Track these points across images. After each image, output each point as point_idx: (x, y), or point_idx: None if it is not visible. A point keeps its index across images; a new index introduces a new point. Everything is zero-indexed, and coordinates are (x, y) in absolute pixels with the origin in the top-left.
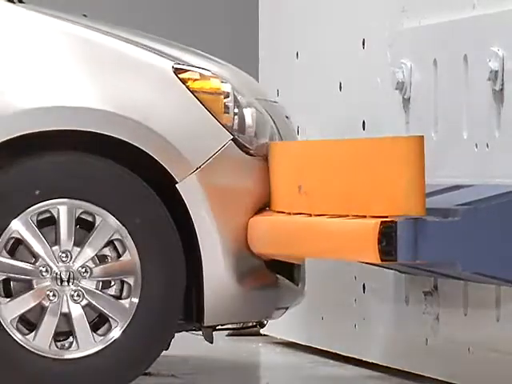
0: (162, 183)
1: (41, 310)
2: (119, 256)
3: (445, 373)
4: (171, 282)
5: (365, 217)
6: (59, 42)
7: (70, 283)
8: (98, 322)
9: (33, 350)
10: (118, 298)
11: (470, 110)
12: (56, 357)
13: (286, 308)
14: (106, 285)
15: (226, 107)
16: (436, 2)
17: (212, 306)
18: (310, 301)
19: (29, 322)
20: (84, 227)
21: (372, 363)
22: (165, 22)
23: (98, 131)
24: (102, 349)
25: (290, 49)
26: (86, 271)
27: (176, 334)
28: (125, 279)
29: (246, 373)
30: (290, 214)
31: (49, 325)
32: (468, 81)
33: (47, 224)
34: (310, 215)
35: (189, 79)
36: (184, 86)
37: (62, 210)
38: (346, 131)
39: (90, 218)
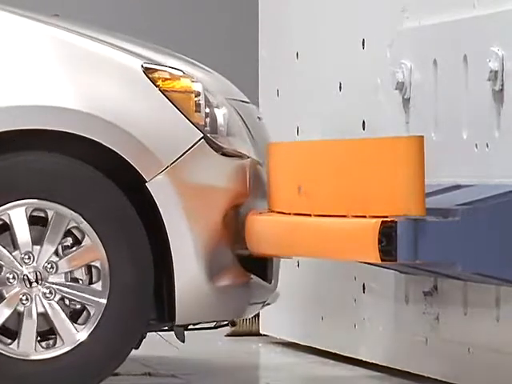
0: (134, 182)
1: (18, 316)
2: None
3: (445, 373)
4: (139, 277)
5: (365, 217)
6: (30, 42)
7: (39, 283)
8: (76, 312)
9: (19, 357)
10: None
11: (470, 110)
12: (42, 357)
13: (259, 306)
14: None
15: (197, 106)
16: (436, 1)
17: (183, 305)
18: (309, 301)
19: (9, 331)
20: (37, 223)
21: (372, 363)
22: (164, 22)
23: (67, 130)
24: (85, 339)
25: (290, 49)
26: (51, 267)
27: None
28: (92, 263)
29: (246, 373)
30: (290, 214)
31: (29, 329)
32: (468, 81)
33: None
34: (310, 215)
35: (159, 78)
36: (154, 85)
37: (14, 213)
38: (346, 131)
39: (42, 214)
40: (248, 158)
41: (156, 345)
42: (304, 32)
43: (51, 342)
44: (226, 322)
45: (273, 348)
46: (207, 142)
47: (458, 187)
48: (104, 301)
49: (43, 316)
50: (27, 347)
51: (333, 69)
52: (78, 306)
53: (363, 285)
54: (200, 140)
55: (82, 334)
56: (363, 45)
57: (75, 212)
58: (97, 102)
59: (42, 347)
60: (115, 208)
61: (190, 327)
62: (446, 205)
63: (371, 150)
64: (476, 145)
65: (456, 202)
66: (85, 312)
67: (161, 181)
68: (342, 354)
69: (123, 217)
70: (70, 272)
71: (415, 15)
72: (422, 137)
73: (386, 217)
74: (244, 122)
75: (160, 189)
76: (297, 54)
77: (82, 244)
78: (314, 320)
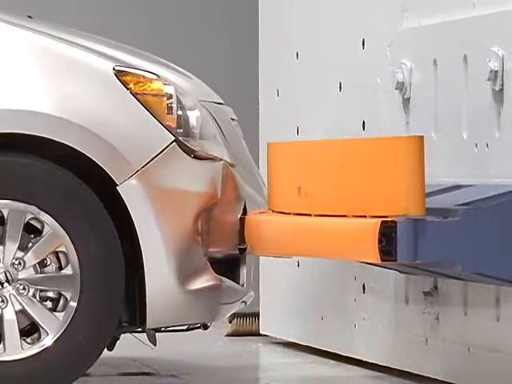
0: (106, 186)
1: None
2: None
3: (445, 373)
4: (110, 284)
5: (365, 217)
6: (1, 44)
7: (10, 282)
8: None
9: (8, 358)
10: (60, 268)
11: (469, 110)
12: (30, 354)
13: (232, 309)
14: (43, 264)
15: (169, 109)
16: (436, 2)
17: (154, 309)
18: (309, 301)
19: None
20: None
21: (372, 363)
22: (164, 22)
23: (38, 134)
24: (37, 353)
25: (290, 49)
26: (19, 263)
27: (176, 334)
28: (59, 250)
29: (246, 373)
30: (289, 214)
31: (11, 329)
32: (468, 81)
33: None
34: (310, 215)
35: (130, 81)
36: (125, 88)
37: None
38: (346, 131)
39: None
40: (221, 160)
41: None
42: (304, 32)
43: (36, 335)
44: (198, 325)
45: (273, 348)
46: (179, 145)
47: (458, 187)
48: (74, 304)
49: (22, 313)
50: (14, 347)
51: (333, 69)
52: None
53: (363, 285)
54: (172, 143)
55: (62, 323)
56: (363, 45)
57: (56, 221)
58: (67, 105)
59: (28, 343)
60: (94, 222)
61: (162, 329)
62: (446, 205)
63: (371, 149)
64: (476, 145)
65: (456, 202)
66: (62, 299)
67: (132, 184)
68: (341, 354)
69: (93, 218)
70: (39, 263)
71: (415, 15)
72: (422, 137)
73: (386, 217)
74: (217, 124)
75: (131, 192)
76: (297, 53)
77: (44, 234)
78: (314, 320)
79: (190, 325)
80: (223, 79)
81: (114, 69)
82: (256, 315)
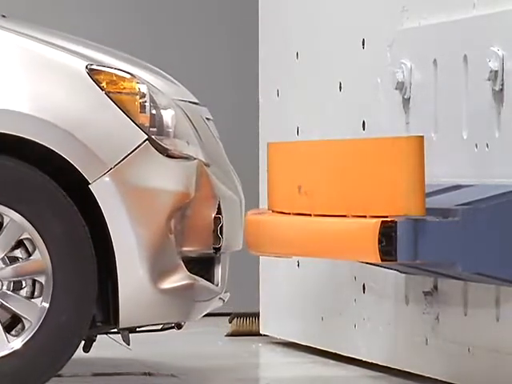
0: (78, 184)
1: None
2: (29, 254)
3: (445, 373)
4: (82, 279)
5: (365, 217)
6: None
7: None
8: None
9: None
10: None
11: (469, 110)
12: None
13: (206, 309)
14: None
15: (142, 108)
16: (436, 1)
17: (127, 308)
18: (309, 301)
19: None
20: None
21: (372, 363)
22: (164, 22)
23: (10, 132)
24: (16, 350)
25: (290, 49)
26: None
27: (176, 334)
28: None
29: (246, 373)
30: (289, 214)
31: None
32: (468, 81)
33: None
34: (310, 215)
35: (103, 80)
36: (98, 86)
37: None
38: (346, 131)
39: None
40: (195, 159)
41: (156, 345)
42: (304, 32)
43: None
44: (172, 325)
45: (273, 348)
46: (152, 144)
47: (458, 187)
48: (46, 304)
49: (1, 307)
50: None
51: (333, 69)
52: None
53: (363, 285)
54: (144, 142)
55: (16, 342)
56: (363, 45)
57: (27, 220)
58: (40, 103)
59: (13, 335)
60: (57, 208)
61: (137, 329)
62: (446, 205)
63: (371, 149)
64: (476, 145)
65: (456, 202)
66: (37, 285)
67: (104, 183)
68: (342, 353)
69: (66, 218)
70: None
71: (415, 15)
72: (422, 137)
73: (386, 217)
74: (192, 124)
75: (103, 191)
76: (297, 53)
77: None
78: (314, 320)
79: (164, 324)
80: (223, 79)
81: (86, 67)
82: (256, 315)
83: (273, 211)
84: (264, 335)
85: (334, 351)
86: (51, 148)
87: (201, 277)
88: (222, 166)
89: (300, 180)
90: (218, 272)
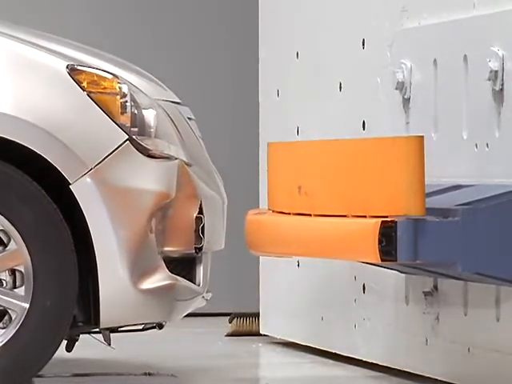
0: (59, 185)
1: None
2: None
3: (445, 373)
4: (62, 280)
5: (365, 217)
6: None
7: None
8: None
9: None
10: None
11: (469, 110)
12: None
13: (187, 309)
14: None
15: (123, 107)
16: (436, 1)
17: (108, 308)
18: (309, 301)
19: None
20: None
21: (372, 363)
22: (164, 22)
23: None
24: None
25: (290, 49)
26: None
27: (176, 334)
28: (16, 267)
29: (246, 373)
30: (289, 214)
31: None
32: (468, 81)
33: None
34: (310, 215)
35: (84, 80)
36: (79, 86)
37: None
38: (346, 131)
39: None
40: (176, 159)
41: (156, 345)
42: (304, 32)
43: (6, 318)
44: (153, 325)
45: (273, 348)
46: (133, 144)
47: (458, 187)
48: (26, 305)
49: None
50: None
51: (333, 69)
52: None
53: (363, 285)
54: (125, 142)
55: (3, 336)
56: (363, 45)
57: (8, 221)
58: (20, 103)
59: (2, 328)
60: (40, 210)
61: (119, 329)
62: (446, 205)
63: (371, 149)
64: (476, 145)
65: (456, 202)
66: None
67: (85, 183)
68: (342, 353)
69: (47, 219)
70: None
71: (415, 15)
72: (422, 137)
73: (386, 217)
74: (173, 123)
75: (84, 191)
76: (297, 53)
77: (7, 248)
78: (314, 320)
79: (145, 324)
80: (223, 79)
81: (67, 67)
82: (256, 315)
83: (273, 211)
84: (264, 335)
85: (333, 351)
86: (32, 148)
87: (182, 277)
88: (203, 166)
89: (300, 180)
90: (200, 272)
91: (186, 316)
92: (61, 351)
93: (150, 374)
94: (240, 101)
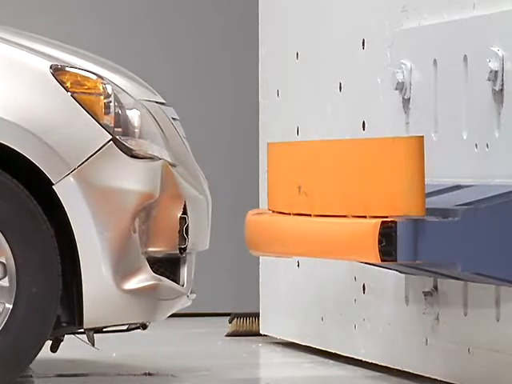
0: (41, 185)
1: None
2: None
3: (445, 373)
4: (45, 280)
5: (365, 217)
6: None
7: None
8: None
9: None
10: None
11: (469, 110)
12: None
13: (171, 309)
14: None
15: (107, 108)
16: (436, 2)
17: (92, 309)
18: (309, 301)
19: None
20: None
21: (372, 363)
22: (164, 22)
23: None
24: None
25: (290, 49)
26: None
27: (176, 335)
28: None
29: (246, 373)
30: (289, 214)
31: None
32: (468, 81)
33: None
34: (310, 215)
35: (67, 80)
36: (62, 86)
37: None
38: (346, 131)
39: None
40: (160, 159)
41: (156, 345)
42: (304, 32)
43: None
44: (137, 325)
45: (273, 348)
46: (116, 144)
47: (458, 187)
48: (10, 305)
49: None
50: None
51: (333, 69)
52: None
53: (363, 285)
54: (108, 142)
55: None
56: (363, 45)
57: None
58: (3, 103)
59: None
60: (22, 210)
61: (103, 330)
62: (446, 205)
63: (371, 149)
64: (476, 145)
65: (456, 202)
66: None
67: (68, 183)
68: (342, 353)
69: (30, 219)
70: None
71: (415, 15)
72: (422, 137)
73: (386, 217)
74: (158, 124)
75: (67, 191)
76: (297, 54)
77: None
78: (314, 320)
79: (129, 325)
80: (223, 79)
81: (50, 67)
82: (256, 315)
83: (273, 211)
84: (264, 335)
85: (333, 351)
86: (15, 148)
87: (166, 277)
88: (188, 166)
89: (300, 180)
90: (184, 272)
91: (185, 316)
92: (61, 351)
93: (149, 374)
94: (240, 101)
